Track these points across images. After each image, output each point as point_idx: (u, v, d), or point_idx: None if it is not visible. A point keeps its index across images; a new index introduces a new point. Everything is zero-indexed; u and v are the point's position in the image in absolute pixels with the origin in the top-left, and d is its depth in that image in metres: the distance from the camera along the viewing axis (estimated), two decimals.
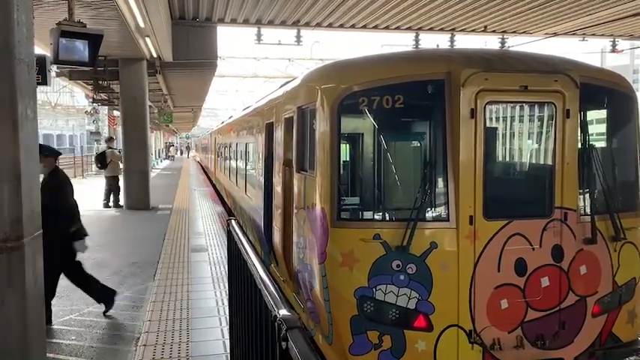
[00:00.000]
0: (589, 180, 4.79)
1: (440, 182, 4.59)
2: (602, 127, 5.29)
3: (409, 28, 17.53)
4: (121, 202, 16.92)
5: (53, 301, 7.14)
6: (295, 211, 5.49)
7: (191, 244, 10.93)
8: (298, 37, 17.13)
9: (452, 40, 18.45)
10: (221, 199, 19.82)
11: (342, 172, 4.86)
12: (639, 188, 5.19)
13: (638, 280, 4.98)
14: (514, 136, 5.48)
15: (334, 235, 4.50)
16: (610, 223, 4.75)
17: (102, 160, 17.07)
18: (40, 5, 9.33)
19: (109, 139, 19.28)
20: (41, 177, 5.61)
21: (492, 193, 4.56)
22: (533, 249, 4.53)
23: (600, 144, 5.20)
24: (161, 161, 55.46)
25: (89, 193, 22.29)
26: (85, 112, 34.41)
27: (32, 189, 4.74)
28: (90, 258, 9.81)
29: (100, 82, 17.15)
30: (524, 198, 5.01)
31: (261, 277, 2.82)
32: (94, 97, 20.64)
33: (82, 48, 7.49)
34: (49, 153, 6.40)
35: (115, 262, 9.46)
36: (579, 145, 4.72)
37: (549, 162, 4.75)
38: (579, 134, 4.72)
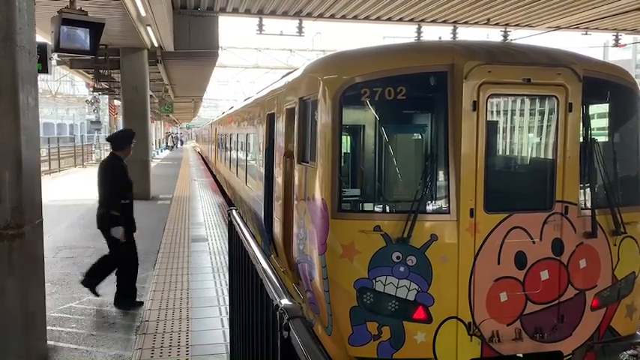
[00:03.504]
0: (590, 174, 4.78)
1: (441, 175, 4.58)
2: (605, 121, 5.27)
3: (411, 20, 17.46)
4: None
5: (53, 290, 7.18)
6: (296, 202, 5.49)
7: (191, 234, 10.96)
8: (300, 27, 17.05)
9: (454, 33, 18.37)
10: (221, 190, 19.83)
11: (343, 163, 4.85)
12: None
13: (638, 274, 5.00)
14: (516, 129, 5.47)
15: (335, 227, 4.50)
16: (610, 217, 4.76)
17: None
18: None
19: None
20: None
21: (493, 186, 4.55)
22: (534, 242, 4.54)
23: (602, 138, 5.19)
24: (161, 151, 55.46)
25: (90, 182, 22.32)
26: (86, 102, 34.34)
27: (33, 176, 4.75)
28: (90, 247, 9.85)
29: (101, 71, 17.09)
30: (525, 191, 5.01)
31: (262, 267, 2.82)
32: (95, 86, 20.59)
33: (83, 36, 7.46)
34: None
35: None
36: (581, 139, 4.71)
37: (551, 155, 4.74)
38: (581, 128, 4.71)
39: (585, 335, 4.74)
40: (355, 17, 16.87)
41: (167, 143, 67.82)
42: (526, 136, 5.56)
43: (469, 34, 19.00)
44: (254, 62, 34.78)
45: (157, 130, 54.56)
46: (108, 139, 6.75)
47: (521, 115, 5.37)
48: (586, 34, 19.60)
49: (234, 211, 4.48)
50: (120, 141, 6.61)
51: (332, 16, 16.71)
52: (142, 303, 6.58)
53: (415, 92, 4.64)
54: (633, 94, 5.13)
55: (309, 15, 16.44)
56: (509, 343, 4.52)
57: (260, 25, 16.68)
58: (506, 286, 4.49)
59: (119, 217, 6.27)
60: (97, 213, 6.44)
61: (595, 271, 4.74)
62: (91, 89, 23.26)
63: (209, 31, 15.97)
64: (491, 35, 21.96)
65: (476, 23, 17.84)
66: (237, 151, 13.54)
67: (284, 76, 7.48)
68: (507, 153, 5.64)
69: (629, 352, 6.44)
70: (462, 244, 4.41)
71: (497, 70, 4.45)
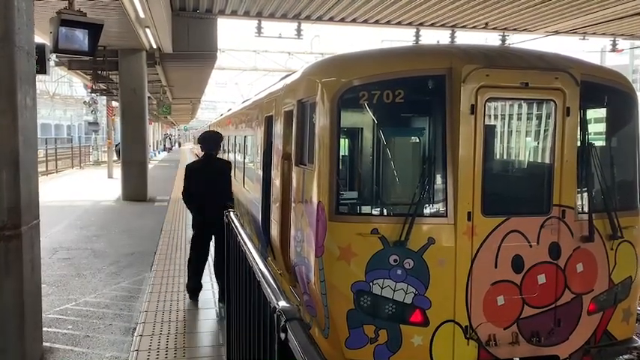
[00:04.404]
0: (587, 178, 4.79)
1: (439, 178, 4.58)
2: (602, 126, 5.29)
3: (410, 24, 17.48)
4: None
5: (49, 291, 7.15)
6: (293, 204, 5.49)
7: (188, 236, 10.91)
8: (299, 30, 17.07)
9: (452, 37, 18.41)
10: None
11: (341, 166, 4.85)
12: (637, 187, 5.20)
13: (634, 278, 5.00)
14: (513, 132, 5.49)
15: (332, 229, 4.50)
16: (607, 221, 4.76)
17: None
18: None
19: None
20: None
21: (491, 189, 4.55)
22: (531, 246, 4.54)
23: (599, 142, 5.20)
24: (159, 152, 55.41)
25: (86, 184, 22.28)
26: (84, 103, 34.29)
27: (30, 177, 4.74)
28: (88, 248, 9.84)
29: (100, 73, 17.09)
30: (522, 195, 5.01)
31: (260, 269, 2.82)
32: (93, 87, 20.57)
33: (81, 37, 7.46)
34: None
35: (113, 253, 9.47)
36: (579, 143, 4.72)
37: (548, 159, 4.75)
38: (579, 132, 4.72)
39: (582, 339, 4.74)
40: (354, 20, 16.90)
41: (165, 145, 67.69)
42: (524, 140, 5.58)
43: (467, 37, 19.10)
44: (252, 64, 34.75)
45: (154, 132, 54.52)
46: (200, 141, 7.29)
47: (519, 118, 5.39)
48: (584, 39, 19.66)
49: (231, 212, 4.47)
50: (214, 143, 7.17)
51: (331, 19, 16.74)
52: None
53: (413, 95, 4.65)
54: (631, 98, 5.15)
55: (307, 18, 16.46)
56: (506, 347, 4.52)
57: (259, 28, 16.69)
58: (503, 289, 4.49)
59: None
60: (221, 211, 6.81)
61: (592, 276, 4.74)
62: (89, 90, 23.24)
63: (208, 33, 15.97)
64: (490, 39, 22.01)
65: (474, 27, 17.88)
66: (235, 153, 13.52)
67: (282, 79, 7.48)
68: (505, 157, 5.66)
69: (626, 356, 6.43)
70: (459, 247, 4.41)
71: (495, 73, 4.46)
